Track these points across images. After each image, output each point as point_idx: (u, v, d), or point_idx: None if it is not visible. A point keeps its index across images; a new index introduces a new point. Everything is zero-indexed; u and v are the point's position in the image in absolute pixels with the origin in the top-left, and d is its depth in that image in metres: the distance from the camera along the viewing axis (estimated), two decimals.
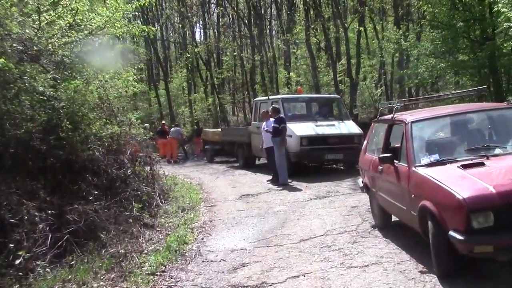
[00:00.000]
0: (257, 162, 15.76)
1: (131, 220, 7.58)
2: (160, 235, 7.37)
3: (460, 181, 4.28)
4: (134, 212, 8.03)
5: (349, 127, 13.14)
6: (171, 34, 38.49)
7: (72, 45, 9.32)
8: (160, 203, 9.16)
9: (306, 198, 9.42)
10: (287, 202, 9.18)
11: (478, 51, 12.92)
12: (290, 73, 24.15)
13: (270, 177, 12.14)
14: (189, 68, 31.49)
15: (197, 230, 7.51)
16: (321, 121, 13.20)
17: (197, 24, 34.06)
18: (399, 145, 5.73)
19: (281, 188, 10.96)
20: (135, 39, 36.54)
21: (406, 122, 5.38)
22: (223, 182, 12.94)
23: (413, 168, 4.90)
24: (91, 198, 7.85)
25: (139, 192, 8.56)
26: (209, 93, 30.21)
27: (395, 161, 5.36)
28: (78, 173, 8.38)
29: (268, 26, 30.20)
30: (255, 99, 16.25)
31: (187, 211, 8.93)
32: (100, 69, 9.26)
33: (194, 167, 18.09)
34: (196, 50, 26.96)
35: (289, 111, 13.79)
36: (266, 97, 14.57)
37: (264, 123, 12.18)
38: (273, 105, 12.22)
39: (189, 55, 27.58)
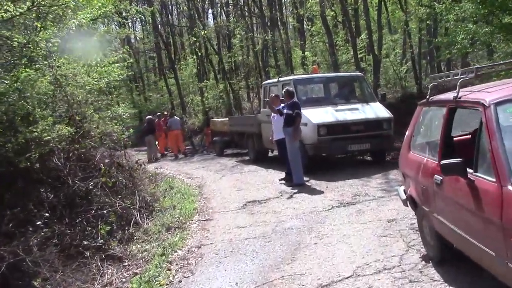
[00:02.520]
0: (270, 154, 13.67)
1: (88, 254, 5.60)
2: (126, 273, 5.38)
3: None
4: (99, 239, 6.08)
5: (376, 110, 10.90)
6: (183, 20, 36.21)
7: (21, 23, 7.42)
8: (140, 221, 7.15)
9: (326, 206, 7.30)
10: (301, 213, 7.08)
11: None
12: (305, 53, 21.83)
13: (283, 175, 10.06)
14: (198, 53, 29.45)
15: (176, 264, 5.46)
16: (342, 104, 10.99)
17: (205, 6, 31.90)
18: (465, 136, 3.59)
19: (295, 190, 8.88)
20: (144, 26, 34.77)
21: (486, 104, 3.18)
22: (228, 182, 10.89)
23: (511, 187, 2.75)
24: (39, 223, 5.95)
25: (106, 210, 6.56)
26: (221, 79, 28.09)
27: (468, 170, 3.21)
28: (26, 188, 6.50)
29: (279, 2, 27.62)
30: (263, 82, 14.05)
31: (173, 230, 6.90)
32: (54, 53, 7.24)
33: (201, 162, 16.07)
34: (203, 33, 24.74)
35: (303, 94, 11.61)
36: (276, 79, 12.37)
37: None
38: (286, 88, 10.01)
39: (195, 39, 25.40)
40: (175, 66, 29.82)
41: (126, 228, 6.72)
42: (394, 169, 9.96)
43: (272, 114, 10.06)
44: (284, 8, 30.10)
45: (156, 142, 19.69)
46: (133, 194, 7.80)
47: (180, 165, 15.84)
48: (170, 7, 33.27)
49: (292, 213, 7.19)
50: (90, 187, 6.42)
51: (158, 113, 21.72)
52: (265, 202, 8.21)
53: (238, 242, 6.02)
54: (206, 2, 31.72)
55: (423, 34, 18.06)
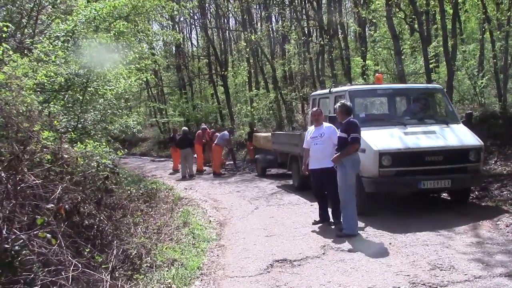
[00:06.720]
0: None
1: None
2: None
3: None
4: None
5: (460, 135, 8.12)
6: (240, 27, 34.16)
7: None
8: None
9: None
10: None
11: None
12: (367, 61, 19.08)
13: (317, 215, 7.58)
14: (250, 60, 27.39)
15: None
16: (414, 125, 8.28)
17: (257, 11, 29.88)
18: None
19: (345, 244, 6.32)
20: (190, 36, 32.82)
21: None
22: (259, 220, 8.42)
23: None
24: None
25: (51, 279, 4.24)
26: (272, 88, 25.75)
27: None
28: None
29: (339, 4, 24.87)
30: (311, 94, 11.44)
31: None
32: None
33: (238, 184, 13.68)
34: (253, 37, 22.49)
35: (361, 110, 9.04)
36: (327, 90, 9.78)
37: (313, 129, 7.59)
38: (341, 102, 7.30)
39: (245, 44, 23.24)
40: (225, 73, 27.87)
41: None
42: (486, 219, 7.18)
43: (311, 133, 7.57)
44: (343, 9, 27.49)
45: (195, 156, 17.59)
46: (110, 246, 5.49)
47: (213, 186, 13.55)
48: (225, 11, 31.25)
49: None
50: (17, 247, 4.10)
51: (203, 125, 19.63)
52: (299, 265, 5.68)
53: None
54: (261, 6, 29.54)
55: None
